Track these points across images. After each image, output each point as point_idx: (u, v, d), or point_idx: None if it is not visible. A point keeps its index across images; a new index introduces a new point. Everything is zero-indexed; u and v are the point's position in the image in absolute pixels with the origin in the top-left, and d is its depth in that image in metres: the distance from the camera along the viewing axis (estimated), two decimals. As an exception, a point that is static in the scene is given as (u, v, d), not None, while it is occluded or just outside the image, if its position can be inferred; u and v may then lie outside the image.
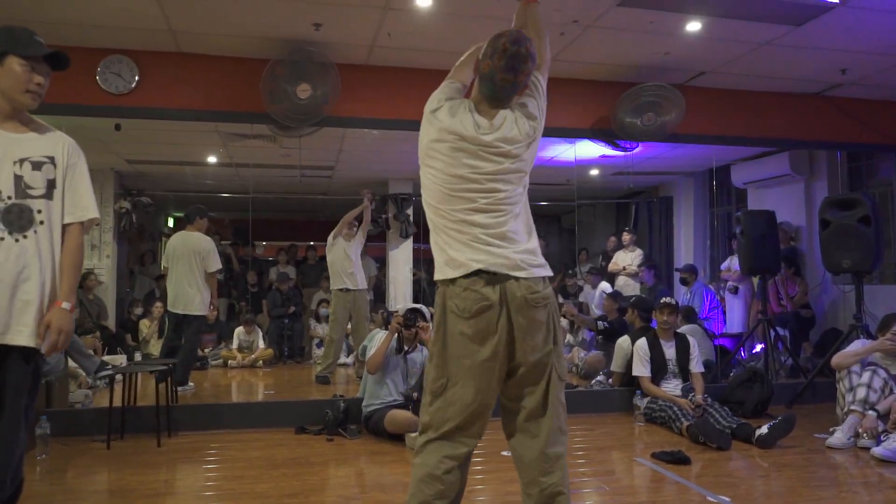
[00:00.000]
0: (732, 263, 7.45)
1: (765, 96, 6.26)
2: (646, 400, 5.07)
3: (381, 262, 9.01)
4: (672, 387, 5.07)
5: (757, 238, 6.19)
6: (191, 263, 6.00)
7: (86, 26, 4.68)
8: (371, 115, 5.49)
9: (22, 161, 2.28)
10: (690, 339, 5.27)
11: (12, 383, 2.18)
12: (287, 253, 9.43)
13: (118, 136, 5.94)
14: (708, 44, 5.16)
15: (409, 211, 7.97)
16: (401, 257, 8.12)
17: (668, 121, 5.79)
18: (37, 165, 2.30)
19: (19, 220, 2.25)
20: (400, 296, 7.94)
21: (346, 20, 4.67)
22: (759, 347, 6.77)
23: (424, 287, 8.70)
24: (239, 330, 8.08)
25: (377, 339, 4.66)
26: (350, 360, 7.65)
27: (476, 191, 2.15)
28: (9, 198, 2.25)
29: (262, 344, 8.10)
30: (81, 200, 2.39)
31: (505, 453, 4.10)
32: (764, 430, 4.33)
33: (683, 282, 7.81)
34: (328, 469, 3.99)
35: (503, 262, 2.11)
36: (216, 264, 6.09)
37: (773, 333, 6.21)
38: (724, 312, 7.72)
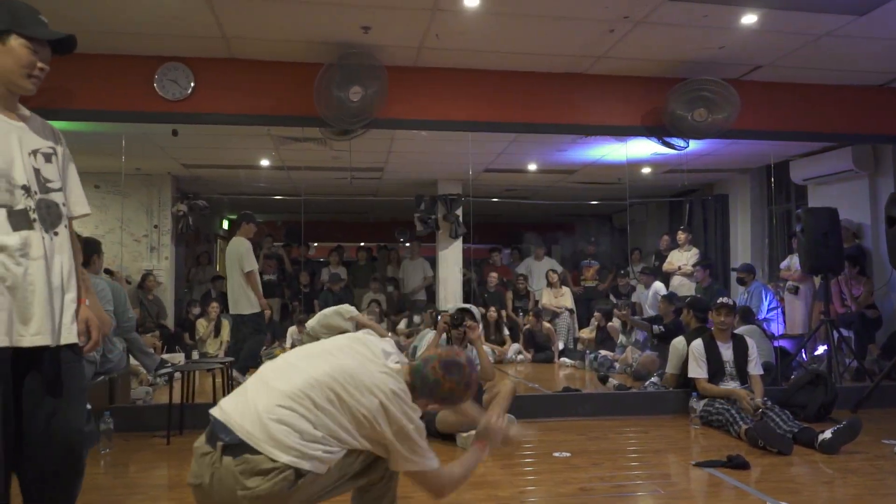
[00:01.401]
0: (793, 262, 7.23)
1: (825, 89, 6.04)
2: (702, 402, 4.94)
3: (432, 262, 9.06)
4: (729, 389, 4.94)
5: (818, 236, 5.98)
6: (235, 267, 6.35)
7: (143, 35, 4.83)
8: (420, 117, 5.50)
9: (34, 152, 2.09)
10: (749, 340, 5.11)
11: (71, 375, 2.13)
12: (338, 254, 9.56)
13: (175, 142, 6.14)
14: (764, 36, 5.01)
15: (459, 212, 7.97)
16: (451, 258, 8.12)
17: (721, 118, 5.64)
18: (47, 157, 2.12)
19: (49, 216, 2.08)
20: (450, 295, 7.96)
21: (394, 22, 4.70)
22: (821, 349, 6.53)
23: (474, 287, 8.69)
24: (292, 329, 8.24)
25: (427, 339, 4.68)
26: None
27: None
28: (35, 193, 2.06)
29: (314, 344, 8.20)
30: (82, 195, 2.25)
31: (556, 454, 4.07)
32: (827, 434, 4.16)
33: (741, 281, 7.61)
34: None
35: None
36: (249, 265, 6.34)
37: (836, 335, 5.99)
38: (783, 313, 7.49)
